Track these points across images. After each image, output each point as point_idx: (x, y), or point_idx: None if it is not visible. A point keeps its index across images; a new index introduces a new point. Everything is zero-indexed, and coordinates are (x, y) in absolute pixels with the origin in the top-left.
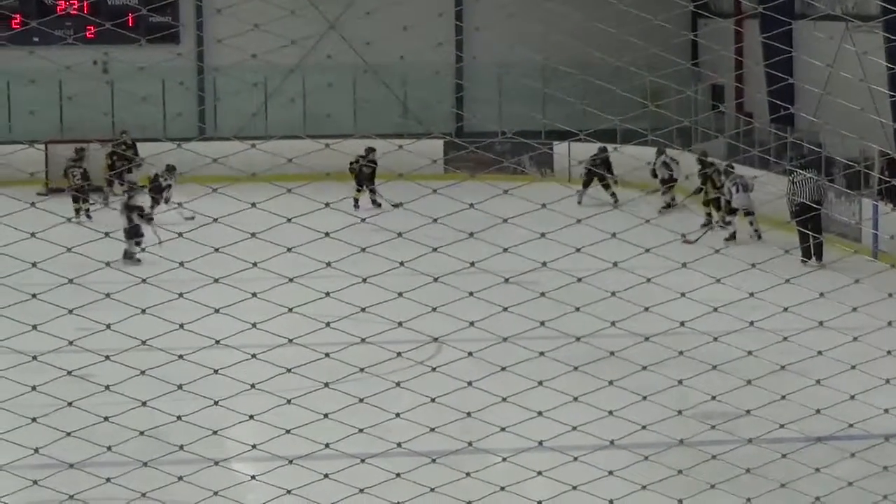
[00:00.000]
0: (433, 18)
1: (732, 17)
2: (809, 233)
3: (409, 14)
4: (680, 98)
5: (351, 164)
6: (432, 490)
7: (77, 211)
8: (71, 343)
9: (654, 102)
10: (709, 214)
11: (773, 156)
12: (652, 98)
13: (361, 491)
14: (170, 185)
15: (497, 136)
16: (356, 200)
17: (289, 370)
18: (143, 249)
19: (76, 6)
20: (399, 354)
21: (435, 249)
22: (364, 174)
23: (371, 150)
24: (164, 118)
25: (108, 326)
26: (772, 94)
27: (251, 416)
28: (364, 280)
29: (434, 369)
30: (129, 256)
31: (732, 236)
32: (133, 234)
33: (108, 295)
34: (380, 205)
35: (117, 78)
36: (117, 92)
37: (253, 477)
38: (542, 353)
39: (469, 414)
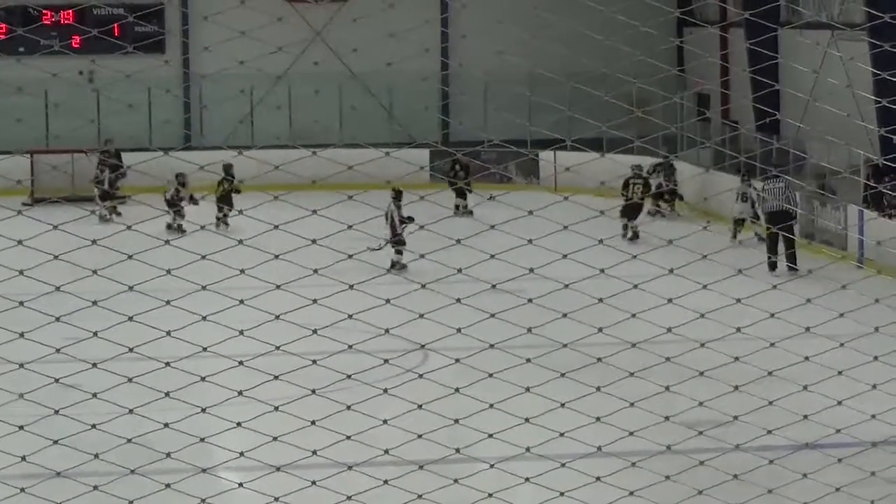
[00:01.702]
0: (420, 25)
1: (718, 24)
2: (783, 237)
3: (395, 21)
4: (666, 105)
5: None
6: (420, 497)
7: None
8: (58, 351)
9: (641, 109)
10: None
11: (759, 163)
12: (638, 105)
13: (349, 498)
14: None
15: (483, 144)
16: (457, 207)
17: (276, 378)
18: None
19: (62, 16)
20: (386, 361)
21: (422, 256)
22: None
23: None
24: (149, 126)
25: (96, 334)
26: (757, 102)
27: (238, 424)
28: (351, 287)
29: (421, 376)
30: (394, 265)
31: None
32: (398, 242)
33: (94, 303)
34: (471, 212)
35: (103, 87)
36: (103, 101)
37: (240, 484)
38: (528, 360)
39: (456, 421)
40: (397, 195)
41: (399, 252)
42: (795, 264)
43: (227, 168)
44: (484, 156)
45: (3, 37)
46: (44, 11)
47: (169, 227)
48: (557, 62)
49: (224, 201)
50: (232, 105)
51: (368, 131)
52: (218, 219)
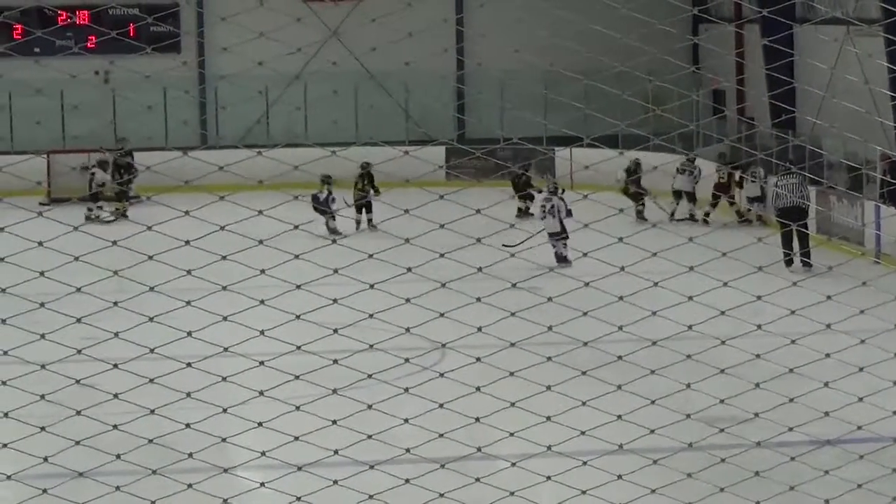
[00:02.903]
0: (437, 25)
1: (733, 21)
2: (797, 233)
3: (412, 21)
4: (682, 103)
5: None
6: (441, 495)
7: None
8: (79, 352)
9: (659, 107)
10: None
11: (775, 159)
12: (654, 103)
13: (371, 497)
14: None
15: (499, 142)
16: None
17: (297, 377)
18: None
19: (79, 16)
20: (407, 360)
21: (442, 255)
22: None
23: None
24: (165, 127)
25: (117, 335)
26: (773, 99)
27: (260, 424)
28: (371, 286)
29: (442, 375)
30: (562, 259)
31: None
32: (563, 236)
33: (115, 303)
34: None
35: (119, 88)
36: (120, 102)
37: (262, 484)
38: (549, 358)
39: (477, 419)
40: (558, 189)
41: (565, 245)
42: (810, 260)
43: (365, 167)
44: (500, 154)
45: (18, 38)
46: (59, 12)
47: (332, 230)
48: (573, 60)
49: (362, 202)
50: (248, 105)
51: (385, 131)
52: (357, 222)
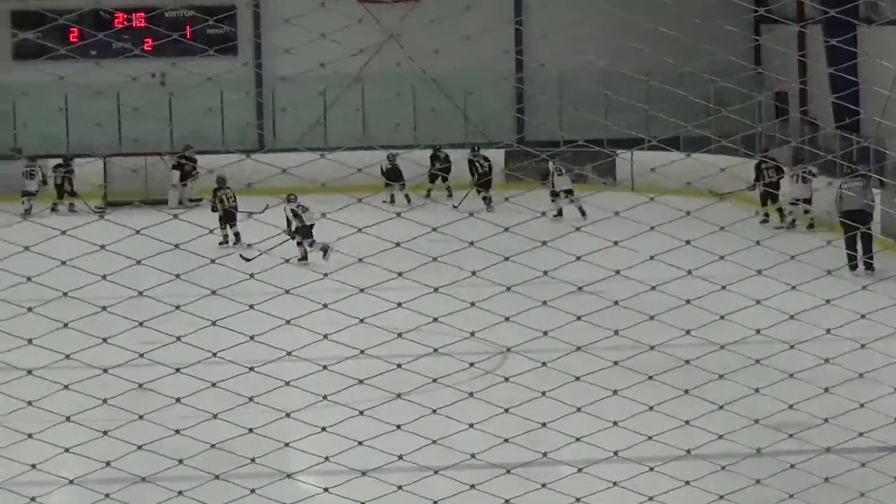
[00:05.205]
0: (497, 26)
1: (797, 22)
2: (861, 237)
3: (471, 22)
4: (745, 105)
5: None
6: (507, 501)
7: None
8: (141, 356)
9: (724, 109)
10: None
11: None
12: (717, 104)
13: (435, 503)
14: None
15: (559, 145)
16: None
17: (360, 381)
18: None
19: (136, 17)
20: (472, 365)
21: (507, 258)
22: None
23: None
24: (222, 129)
25: (179, 338)
26: (837, 100)
27: (323, 428)
28: (436, 290)
29: (507, 379)
30: None
31: (559, 213)
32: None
33: (178, 307)
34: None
35: (176, 90)
36: (177, 104)
37: (325, 489)
38: (616, 363)
39: (543, 424)
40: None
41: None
42: (873, 263)
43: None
44: (561, 156)
45: (75, 41)
46: (116, 14)
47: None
48: (634, 61)
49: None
50: (306, 107)
51: (446, 133)
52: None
